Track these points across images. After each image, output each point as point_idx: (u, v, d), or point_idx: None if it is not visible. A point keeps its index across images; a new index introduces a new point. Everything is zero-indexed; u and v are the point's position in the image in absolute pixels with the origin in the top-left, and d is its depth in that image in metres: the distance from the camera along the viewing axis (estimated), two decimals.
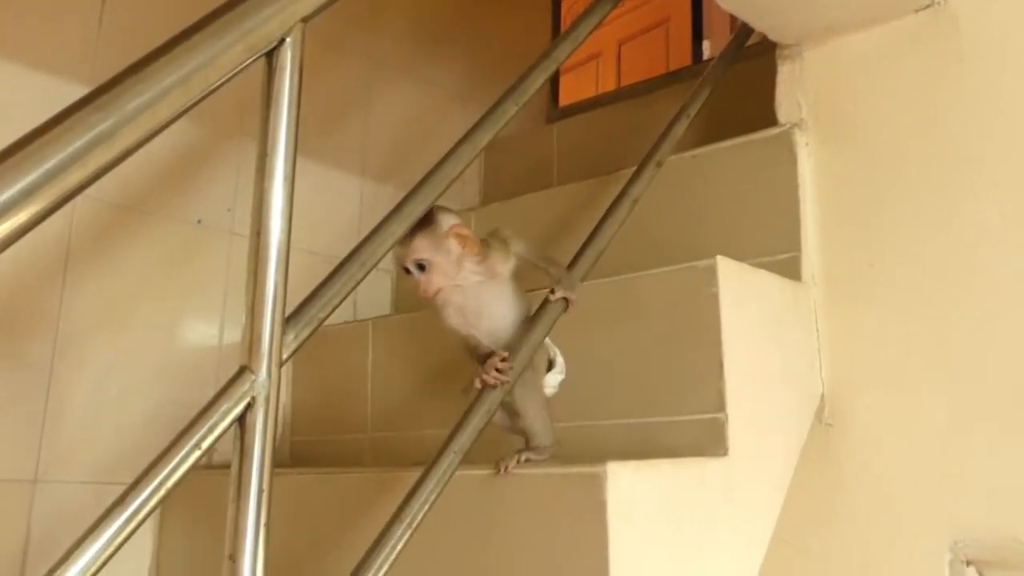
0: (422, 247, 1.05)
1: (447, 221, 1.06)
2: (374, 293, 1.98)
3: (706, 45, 2.87)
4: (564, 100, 2.53)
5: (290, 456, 1.70)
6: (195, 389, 1.65)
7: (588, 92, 2.87)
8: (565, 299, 1.09)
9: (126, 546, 0.69)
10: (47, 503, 1.43)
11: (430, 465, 0.92)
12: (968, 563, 1.24)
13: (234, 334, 1.71)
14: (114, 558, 0.68)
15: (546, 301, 1.09)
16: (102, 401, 1.52)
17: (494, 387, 1.01)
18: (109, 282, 1.55)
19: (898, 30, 1.37)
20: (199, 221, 1.69)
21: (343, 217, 1.94)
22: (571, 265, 1.13)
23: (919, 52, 1.36)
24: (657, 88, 2.15)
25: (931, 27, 1.34)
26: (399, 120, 2.09)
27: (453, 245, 1.05)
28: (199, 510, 1.38)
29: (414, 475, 1.10)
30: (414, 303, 1.92)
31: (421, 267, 1.05)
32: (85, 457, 1.49)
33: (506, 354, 1.02)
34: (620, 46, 3.51)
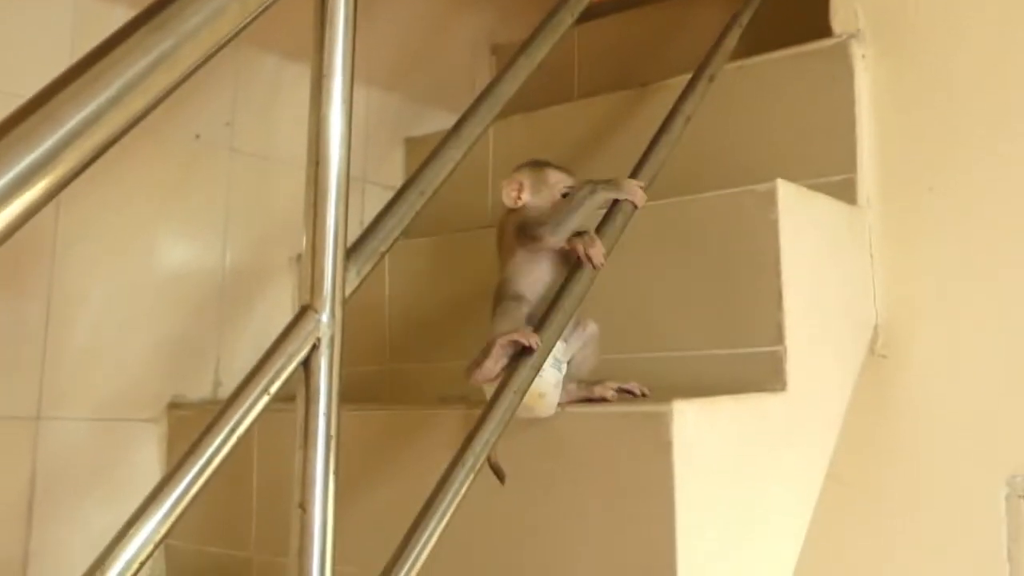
0: None
1: None
2: None
3: None
4: None
5: None
6: (198, 317, 1.65)
7: None
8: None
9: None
10: (51, 440, 1.44)
11: (489, 405, 0.92)
12: None
13: (237, 257, 1.70)
14: None
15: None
16: (103, 333, 1.51)
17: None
18: (105, 205, 1.53)
19: None
20: (197, 136, 1.67)
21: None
22: None
23: None
24: None
25: None
26: (406, 21, 2.04)
27: None
28: None
29: (458, 414, 1.12)
30: (427, 225, 1.92)
31: None
32: (88, 393, 1.49)
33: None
34: None
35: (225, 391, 1.65)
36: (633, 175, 1.13)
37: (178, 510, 0.66)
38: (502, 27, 2.21)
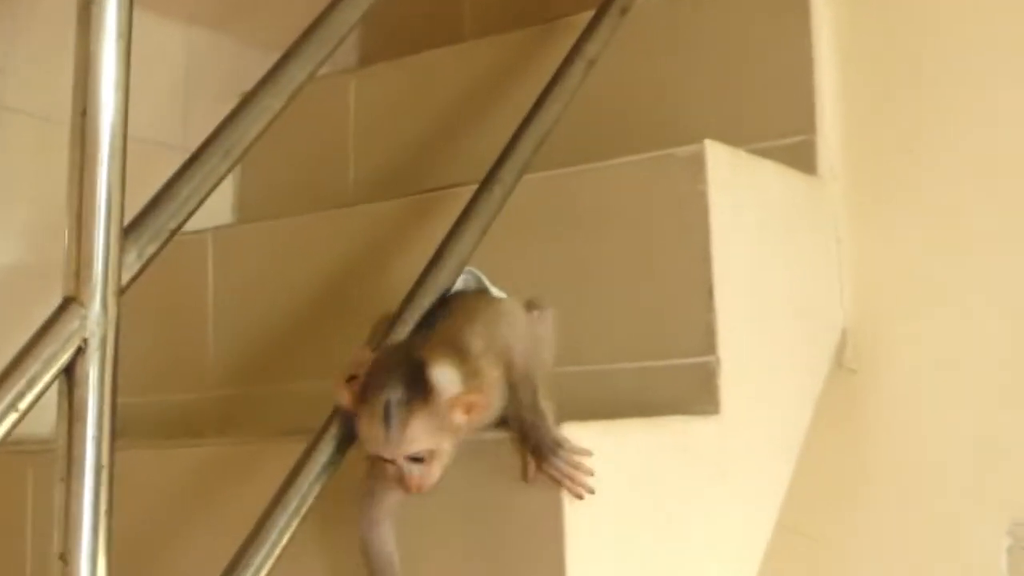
0: (420, 437, 0.96)
1: (450, 384, 0.99)
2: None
3: None
4: None
5: None
6: None
7: None
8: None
9: None
10: None
11: (319, 433, 0.95)
12: None
13: (10, 242, 1.70)
14: None
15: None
16: None
17: None
18: None
19: None
20: None
21: (163, 81, 1.92)
22: (505, 152, 1.16)
23: None
24: None
25: None
26: None
27: (459, 415, 0.98)
28: None
29: (291, 447, 1.14)
30: (265, 207, 1.91)
31: (417, 459, 0.97)
32: None
33: None
34: None
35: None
36: (515, 136, 1.15)
37: None
38: None
